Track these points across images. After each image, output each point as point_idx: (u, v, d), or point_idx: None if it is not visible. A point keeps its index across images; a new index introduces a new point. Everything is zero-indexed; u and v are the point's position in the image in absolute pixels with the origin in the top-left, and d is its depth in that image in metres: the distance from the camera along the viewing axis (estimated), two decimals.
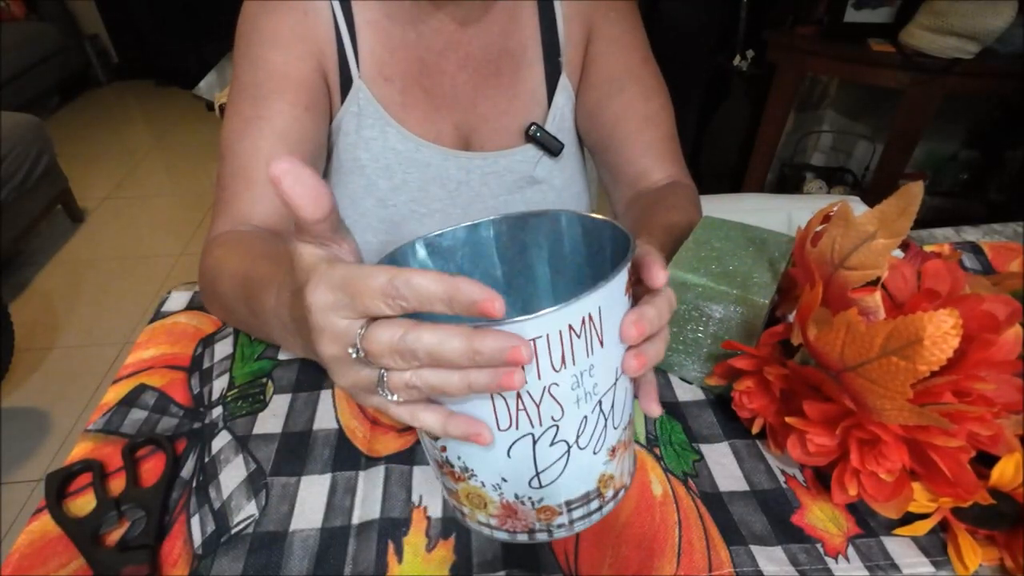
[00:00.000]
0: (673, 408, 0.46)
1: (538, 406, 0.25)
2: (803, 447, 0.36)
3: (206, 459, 0.42)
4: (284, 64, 0.53)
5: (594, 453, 0.28)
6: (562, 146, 0.63)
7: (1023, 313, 0.33)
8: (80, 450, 0.43)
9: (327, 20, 0.55)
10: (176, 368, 0.50)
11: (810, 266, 0.37)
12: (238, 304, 0.44)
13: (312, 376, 0.49)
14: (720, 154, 2.08)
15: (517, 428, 0.26)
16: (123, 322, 1.73)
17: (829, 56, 1.54)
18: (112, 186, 2.49)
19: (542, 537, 0.30)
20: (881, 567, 0.35)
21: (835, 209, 0.36)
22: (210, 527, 0.38)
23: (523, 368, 0.23)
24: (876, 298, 0.34)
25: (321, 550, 0.36)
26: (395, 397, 0.26)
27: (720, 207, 0.86)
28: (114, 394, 0.48)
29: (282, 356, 0.51)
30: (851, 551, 0.36)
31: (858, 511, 0.38)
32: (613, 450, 0.29)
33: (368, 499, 0.39)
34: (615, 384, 0.28)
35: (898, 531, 0.36)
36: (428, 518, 0.38)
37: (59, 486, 0.40)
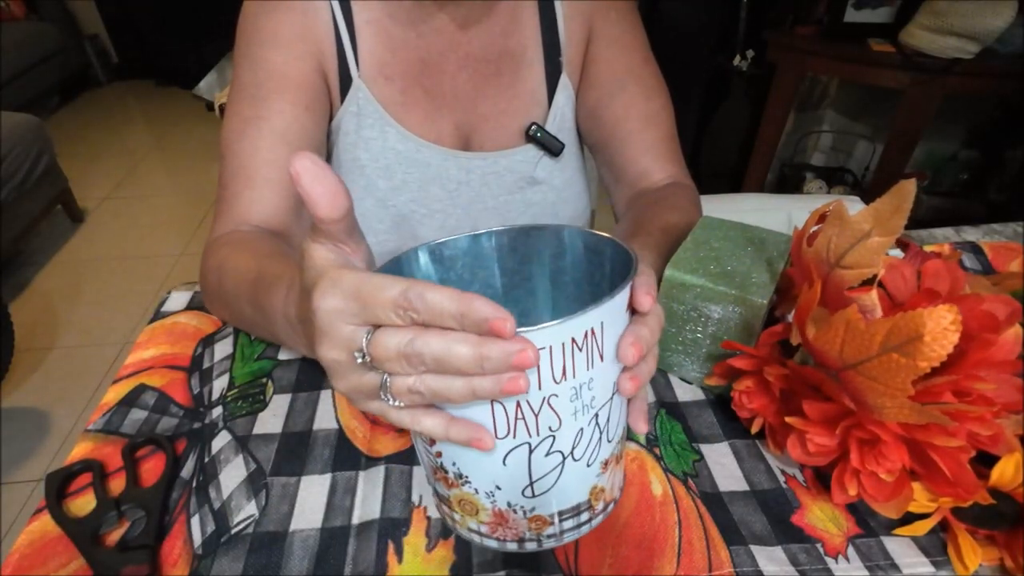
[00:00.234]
0: (673, 408, 0.46)
1: (536, 416, 0.26)
2: (803, 447, 0.36)
3: (206, 459, 0.42)
4: (284, 64, 0.53)
5: (588, 465, 0.28)
6: (562, 146, 0.63)
7: (1023, 313, 0.33)
8: (80, 450, 0.43)
9: (327, 20, 0.55)
10: (176, 368, 0.50)
11: (807, 266, 0.37)
12: (244, 302, 0.44)
13: (312, 376, 0.49)
14: (720, 154, 2.08)
15: (514, 437, 0.26)
16: (123, 322, 1.74)
17: (829, 56, 1.54)
18: (112, 186, 2.49)
19: (531, 547, 0.30)
20: (881, 567, 0.35)
21: (831, 208, 0.36)
22: (210, 527, 0.38)
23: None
24: (873, 297, 0.34)
25: (321, 550, 0.36)
26: (397, 402, 0.26)
27: (720, 207, 0.86)
28: (114, 394, 0.48)
29: (282, 356, 0.51)
30: (851, 551, 0.36)
31: (858, 511, 0.38)
32: (606, 463, 0.30)
33: (368, 499, 0.39)
34: (611, 398, 0.28)
35: (898, 531, 0.36)
36: (428, 518, 0.38)
37: (59, 486, 0.40)
